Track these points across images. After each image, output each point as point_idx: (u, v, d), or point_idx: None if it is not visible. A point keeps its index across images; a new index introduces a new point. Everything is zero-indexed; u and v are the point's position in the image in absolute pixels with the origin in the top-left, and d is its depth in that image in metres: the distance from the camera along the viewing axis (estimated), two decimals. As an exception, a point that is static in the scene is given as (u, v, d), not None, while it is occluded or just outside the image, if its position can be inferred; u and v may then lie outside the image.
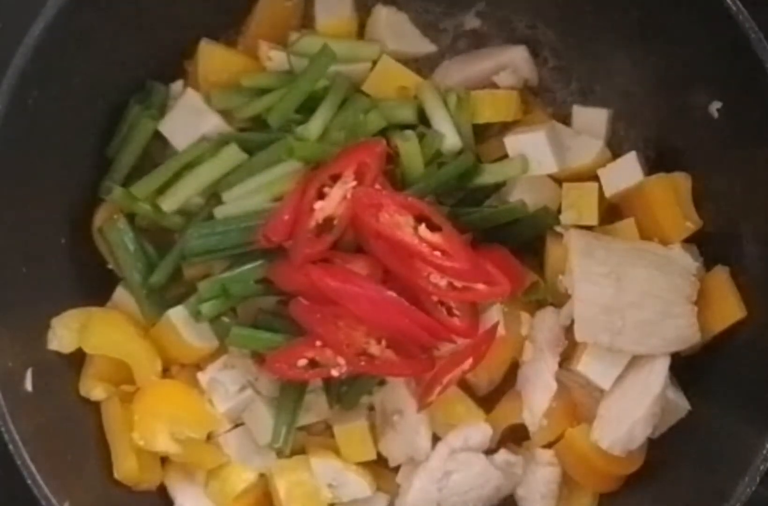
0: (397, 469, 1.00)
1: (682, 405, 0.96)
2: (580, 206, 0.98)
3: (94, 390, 0.96)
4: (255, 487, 0.98)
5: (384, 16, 1.01)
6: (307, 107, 0.96)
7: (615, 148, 1.01)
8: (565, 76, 1.04)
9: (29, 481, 0.85)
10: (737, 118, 0.90)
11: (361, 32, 1.03)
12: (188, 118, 0.97)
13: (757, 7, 0.86)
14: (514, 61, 1.01)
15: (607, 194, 0.99)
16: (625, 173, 0.98)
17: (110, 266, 1.00)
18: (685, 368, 0.97)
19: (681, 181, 0.97)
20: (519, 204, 0.97)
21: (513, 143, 0.97)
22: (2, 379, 0.86)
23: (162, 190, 0.96)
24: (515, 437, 1.01)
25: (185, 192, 0.96)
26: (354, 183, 0.92)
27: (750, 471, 0.83)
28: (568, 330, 0.97)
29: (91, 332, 0.95)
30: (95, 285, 1.00)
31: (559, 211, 0.99)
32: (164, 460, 0.98)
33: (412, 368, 0.94)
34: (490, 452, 0.98)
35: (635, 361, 0.95)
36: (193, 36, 0.99)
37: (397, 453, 0.99)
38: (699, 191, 0.97)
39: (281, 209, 0.93)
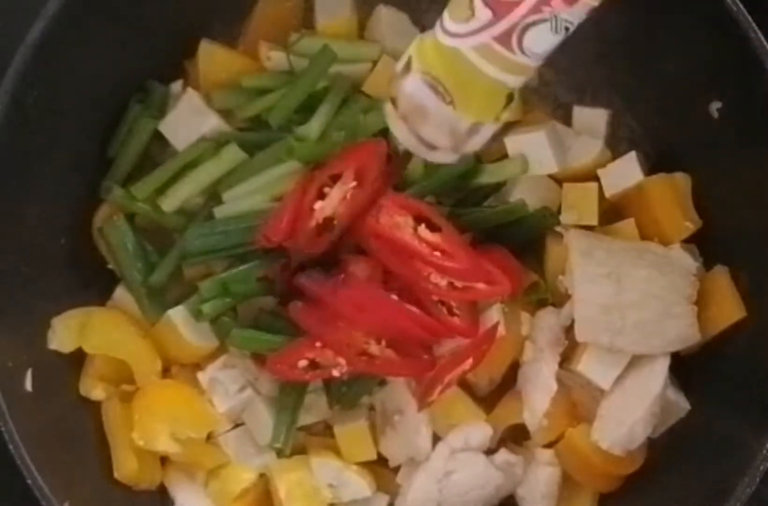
0: (397, 469, 1.00)
1: (682, 405, 0.96)
2: (580, 206, 0.98)
3: (94, 390, 0.97)
4: (255, 487, 0.98)
5: (384, 16, 1.01)
6: (307, 107, 0.96)
7: (615, 148, 1.01)
8: (565, 77, 1.04)
9: (29, 481, 0.85)
10: (737, 118, 0.90)
11: (361, 32, 1.03)
12: (188, 118, 0.97)
13: (757, 7, 0.86)
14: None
15: (607, 194, 0.99)
16: (625, 173, 0.98)
17: (110, 266, 1.00)
18: (685, 368, 0.97)
19: (681, 181, 0.97)
20: (519, 204, 0.97)
21: (513, 143, 0.97)
22: (2, 379, 0.86)
23: (162, 190, 0.96)
24: (515, 437, 1.01)
25: (185, 192, 0.96)
26: (354, 183, 0.92)
27: (750, 471, 0.83)
28: (568, 330, 0.97)
29: (91, 332, 0.95)
30: (95, 285, 1.00)
31: (559, 211, 0.99)
32: (164, 460, 0.98)
33: (413, 368, 0.94)
34: (490, 452, 0.98)
35: (635, 361, 0.95)
36: (193, 36, 0.99)
37: (398, 453, 0.99)
38: (699, 191, 0.97)
39: (281, 209, 0.93)
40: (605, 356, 0.94)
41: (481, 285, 0.93)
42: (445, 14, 0.68)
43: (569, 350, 0.98)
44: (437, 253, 0.90)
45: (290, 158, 0.94)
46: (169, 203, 0.96)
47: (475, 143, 0.75)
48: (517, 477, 0.99)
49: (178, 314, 0.96)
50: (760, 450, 0.83)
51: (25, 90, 0.85)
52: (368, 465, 0.99)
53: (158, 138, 0.98)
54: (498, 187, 0.99)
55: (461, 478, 0.96)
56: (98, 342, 0.96)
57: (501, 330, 0.96)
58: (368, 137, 0.95)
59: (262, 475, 0.99)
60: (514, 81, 0.68)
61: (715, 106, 0.92)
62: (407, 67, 0.72)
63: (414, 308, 0.92)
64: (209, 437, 0.98)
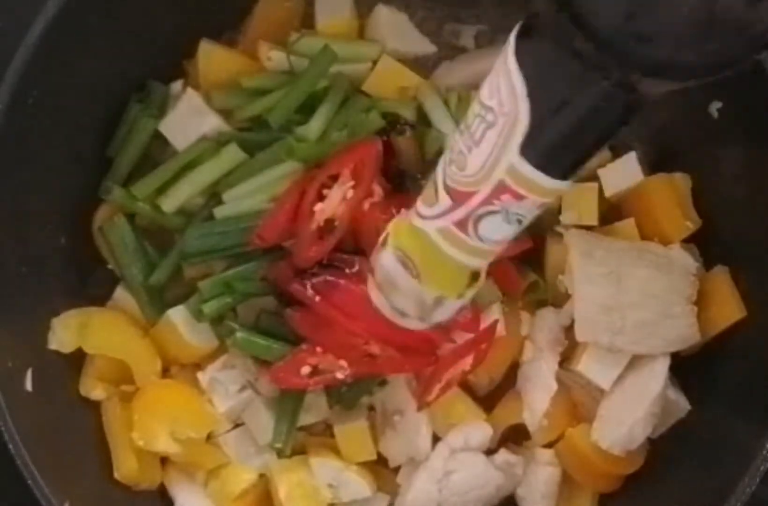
0: (397, 469, 1.00)
1: (682, 405, 0.96)
2: (580, 206, 0.98)
3: (94, 390, 0.96)
4: (255, 487, 0.98)
5: (384, 16, 1.01)
6: (307, 107, 0.96)
7: (615, 148, 1.01)
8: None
9: (29, 481, 0.85)
10: (737, 118, 0.90)
11: (361, 32, 1.03)
12: (188, 118, 0.97)
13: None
14: (514, 61, 1.01)
15: (607, 194, 0.99)
16: (625, 173, 0.98)
17: (110, 266, 1.00)
18: (685, 368, 0.97)
19: (681, 181, 0.97)
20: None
21: (513, 143, 0.97)
22: (2, 379, 0.86)
23: (162, 190, 0.96)
24: (515, 437, 1.01)
25: (185, 192, 0.96)
26: (352, 183, 0.92)
27: (750, 471, 0.83)
28: (568, 330, 0.97)
29: (91, 332, 0.95)
30: (95, 285, 1.00)
31: (559, 211, 0.99)
32: (164, 460, 0.98)
33: (416, 364, 0.94)
34: (490, 452, 0.98)
35: (635, 361, 0.95)
36: (193, 36, 0.99)
37: (397, 453, 0.99)
38: (699, 191, 0.97)
39: (276, 210, 0.93)
40: (605, 356, 0.94)
41: None
42: (420, 197, 0.71)
43: (569, 350, 0.98)
44: None
45: (290, 158, 0.94)
46: (169, 203, 0.96)
47: (440, 314, 0.78)
48: (517, 477, 0.99)
49: (178, 314, 0.96)
50: (760, 450, 0.83)
51: (25, 90, 0.85)
52: (368, 465, 0.99)
53: (158, 138, 0.98)
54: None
55: (461, 478, 0.96)
56: (98, 342, 0.96)
57: (501, 330, 0.96)
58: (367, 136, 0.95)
59: (262, 475, 0.99)
60: (475, 263, 0.71)
61: (715, 106, 0.92)
62: (384, 242, 0.77)
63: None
64: (209, 437, 0.98)
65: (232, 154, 0.95)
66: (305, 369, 0.92)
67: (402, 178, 0.96)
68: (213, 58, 0.99)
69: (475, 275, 0.75)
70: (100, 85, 0.94)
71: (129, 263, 0.97)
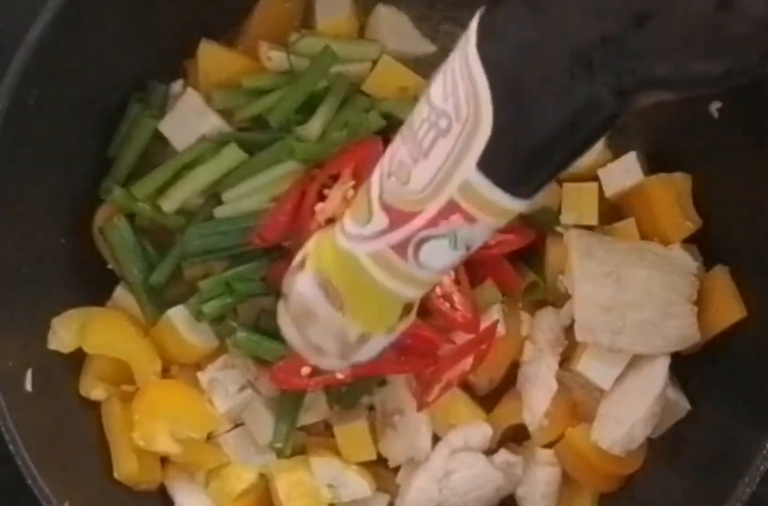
0: (397, 469, 1.00)
1: (682, 405, 0.96)
2: (580, 206, 0.98)
3: (94, 390, 0.96)
4: (255, 487, 0.98)
5: (384, 16, 1.01)
6: (308, 107, 0.96)
7: (615, 148, 1.01)
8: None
9: (29, 481, 0.85)
10: (737, 118, 0.90)
11: (361, 32, 1.03)
12: (188, 118, 0.97)
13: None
14: (514, 61, 1.01)
15: (607, 194, 0.99)
16: (625, 173, 0.98)
17: (110, 266, 1.00)
18: (685, 369, 0.97)
19: (681, 181, 0.97)
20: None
21: (513, 143, 0.97)
22: (2, 379, 0.86)
23: (162, 190, 0.96)
24: (515, 437, 1.01)
25: (185, 192, 0.96)
26: (353, 183, 0.92)
27: (750, 471, 0.83)
28: (568, 330, 0.97)
29: (91, 332, 0.95)
30: (95, 285, 1.00)
31: (559, 211, 0.99)
32: (164, 460, 0.98)
33: (416, 364, 0.94)
34: (490, 452, 0.98)
35: (635, 361, 0.95)
36: (193, 36, 0.99)
37: (397, 453, 0.99)
38: (699, 191, 0.97)
39: (276, 210, 0.93)
40: (605, 356, 0.94)
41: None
42: (347, 211, 0.61)
43: (569, 350, 0.98)
44: None
45: (290, 158, 0.94)
46: (169, 203, 0.96)
47: (365, 353, 0.68)
48: (516, 477, 0.99)
49: (178, 314, 0.96)
50: (760, 450, 0.83)
51: (25, 90, 0.85)
52: (368, 465, 0.99)
53: (158, 138, 0.98)
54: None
55: (461, 478, 0.96)
56: (98, 342, 0.95)
57: (501, 330, 0.96)
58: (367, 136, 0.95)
59: (262, 475, 0.99)
60: (411, 293, 0.61)
61: (715, 106, 0.92)
62: (302, 263, 0.66)
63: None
64: (209, 437, 0.98)
65: (232, 154, 0.95)
66: (305, 370, 0.92)
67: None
68: (213, 58, 0.99)
69: (407, 307, 0.64)
70: (100, 85, 0.94)
71: (129, 263, 0.97)
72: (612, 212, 1.00)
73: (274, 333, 0.94)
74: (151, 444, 0.94)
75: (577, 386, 0.97)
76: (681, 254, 0.95)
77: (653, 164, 1.00)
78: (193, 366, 0.98)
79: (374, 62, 0.99)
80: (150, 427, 0.94)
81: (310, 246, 0.66)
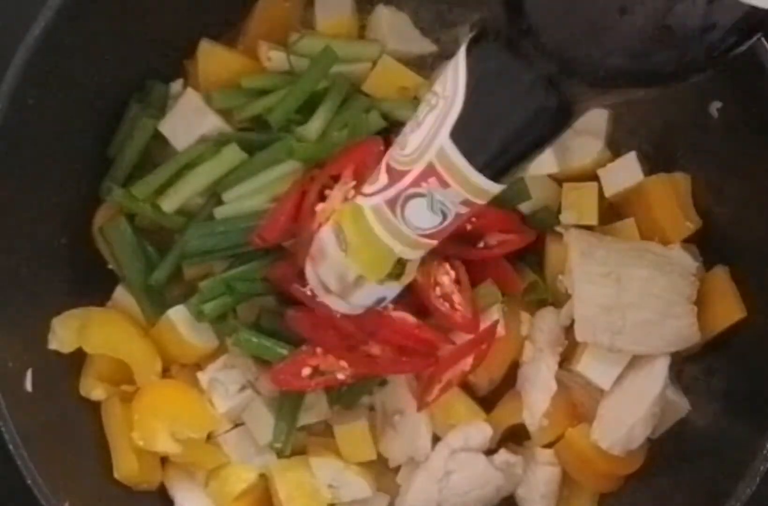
0: (397, 469, 1.00)
1: (682, 405, 0.96)
2: (580, 206, 0.98)
3: (94, 390, 0.96)
4: (255, 487, 0.98)
5: (384, 16, 1.01)
6: (308, 107, 0.96)
7: (615, 148, 1.01)
8: (565, 76, 1.04)
9: (29, 481, 0.85)
10: (737, 118, 0.90)
11: (361, 32, 1.03)
12: (188, 118, 0.97)
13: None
14: (514, 61, 1.01)
15: (607, 194, 0.99)
16: (625, 173, 0.98)
17: (110, 266, 1.00)
18: (685, 369, 0.97)
19: (681, 181, 0.97)
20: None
21: (513, 142, 0.97)
22: (2, 379, 0.86)
23: (162, 190, 0.96)
24: (515, 437, 1.01)
25: (185, 192, 0.96)
26: (354, 183, 0.92)
27: (750, 471, 0.83)
28: (568, 330, 0.97)
29: (91, 332, 0.95)
30: (95, 285, 1.00)
31: (559, 211, 0.99)
32: (164, 460, 0.98)
33: (416, 364, 0.94)
34: (490, 452, 0.98)
35: (635, 361, 0.95)
36: (193, 36, 0.99)
37: (398, 453, 0.99)
38: (699, 191, 0.97)
39: (276, 210, 0.93)
40: (605, 356, 0.94)
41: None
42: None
43: (569, 350, 0.98)
44: None
45: (290, 158, 0.94)
46: (169, 203, 0.96)
47: (359, 297, 0.80)
48: (517, 477, 0.99)
49: (178, 314, 0.96)
50: (760, 450, 0.83)
51: (25, 90, 0.85)
52: (368, 465, 0.99)
53: (158, 138, 0.98)
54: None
55: (461, 478, 0.96)
56: (98, 342, 0.95)
57: (501, 330, 0.96)
58: (368, 136, 0.95)
59: (262, 475, 0.99)
60: (400, 249, 0.72)
61: (715, 106, 0.92)
62: (328, 218, 0.80)
63: (401, 315, 0.92)
64: (209, 437, 0.98)
65: (232, 154, 0.95)
66: (306, 371, 0.92)
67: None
68: (213, 58, 0.99)
69: (399, 266, 0.76)
70: (100, 85, 0.94)
71: (129, 263, 0.97)
72: (612, 212, 1.00)
73: (274, 333, 0.95)
74: (151, 444, 0.94)
75: (577, 386, 0.97)
76: (681, 254, 0.95)
77: (653, 164, 1.00)
78: (193, 366, 0.98)
79: (374, 62, 0.99)
80: (150, 427, 0.94)
81: (338, 206, 0.81)
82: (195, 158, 0.96)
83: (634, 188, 0.98)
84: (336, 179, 0.93)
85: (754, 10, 0.49)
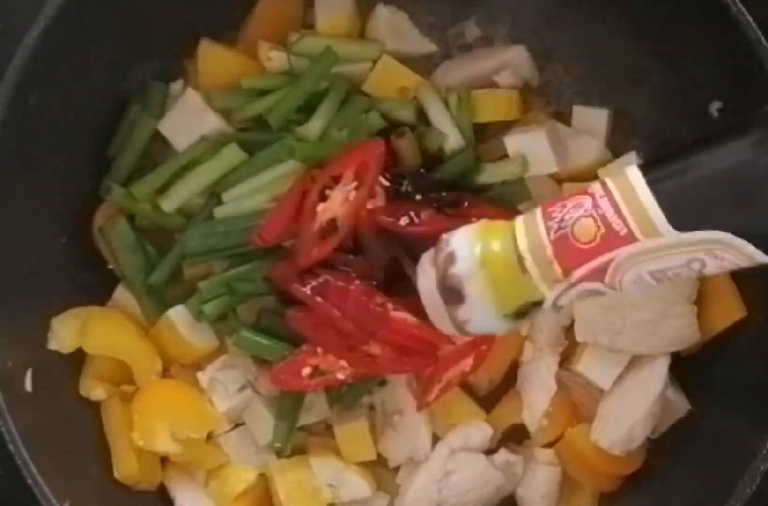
0: (397, 469, 1.00)
1: (682, 405, 0.96)
2: (580, 206, 0.98)
3: (94, 390, 0.96)
4: (255, 487, 0.98)
5: (384, 16, 1.01)
6: (308, 107, 0.96)
7: (615, 148, 1.01)
8: (565, 76, 1.04)
9: (29, 481, 0.85)
10: (737, 118, 0.90)
11: (361, 32, 1.03)
12: (188, 118, 0.97)
13: (757, 6, 0.85)
14: (514, 61, 1.01)
15: (607, 194, 0.99)
16: (625, 173, 0.98)
17: (110, 266, 1.00)
18: (685, 368, 0.97)
19: (681, 181, 0.97)
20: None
21: (513, 142, 0.97)
22: (2, 379, 0.86)
23: (162, 190, 0.96)
24: (515, 437, 1.01)
25: (185, 192, 0.96)
26: (355, 184, 0.92)
27: (750, 471, 0.83)
28: (568, 330, 0.97)
29: (91, 332, 0.95)
30: (95, 285, 1.00)
31: (559, 211, 0.98)
32: (164, 460, 0.98)
33: (416, 364, 0.94)
34: (490, 452, 0.98)
35: (635, 361, 0.95)
36: (193, 36, 0.99)
37: (397, 453, 0.99)
38: (699, 191, 0.97)
39: (277, 210, 0.93)
40: (605, 356, 0.94)
41: None
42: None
43: (569, 350, 0.98)
44: None
45: (290, 158, 0.94)
46: (169, 203, 0.96)
47: (471, 323, 0.73)
48: (516, 477, 0.99)
49: (178, 314, 0.96)
50: (760, 450, 0.83)
51: (25, 90, 0.85)
52: (368, 465, 0.99)
53: (158, 138, 0.98)
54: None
55: (461, 478, 0.96)
56: (98, 342, 0.96)
57: (501, 330, 0.96)
58: (368, 137, 0.95)
59: (262, 475, 0.99)
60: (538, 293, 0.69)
61: (715, 107, 0.92)
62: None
63: (402, 316, 0.92)
64: (209, 437, 0.98)
65: (232, 154, 0.95)
66: (306, 370, 0.92)
67: (401, 179, 0.96)
68: (213, 58, 0.99)
69: (521, 311, 0.70)
70: (100, 85, 0.94)
71: (129, 263, 0.97)
72: (612, 212, 1.00)
73: (274, 333, 0.95)
74: (151, 444, 0.94)
75: (577, 386, 0.97)
76: (681, 254, 0.95)
77: (653, 164, 1.00)
78: (193, 366, 0.98)
79: (374, 62, 0.99)
80: (150, 427, 0.94)
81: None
82: (195, 158, 0.96)
83: (635, 188, 0.97)
84: (337, 179, 0.93)
85: None
